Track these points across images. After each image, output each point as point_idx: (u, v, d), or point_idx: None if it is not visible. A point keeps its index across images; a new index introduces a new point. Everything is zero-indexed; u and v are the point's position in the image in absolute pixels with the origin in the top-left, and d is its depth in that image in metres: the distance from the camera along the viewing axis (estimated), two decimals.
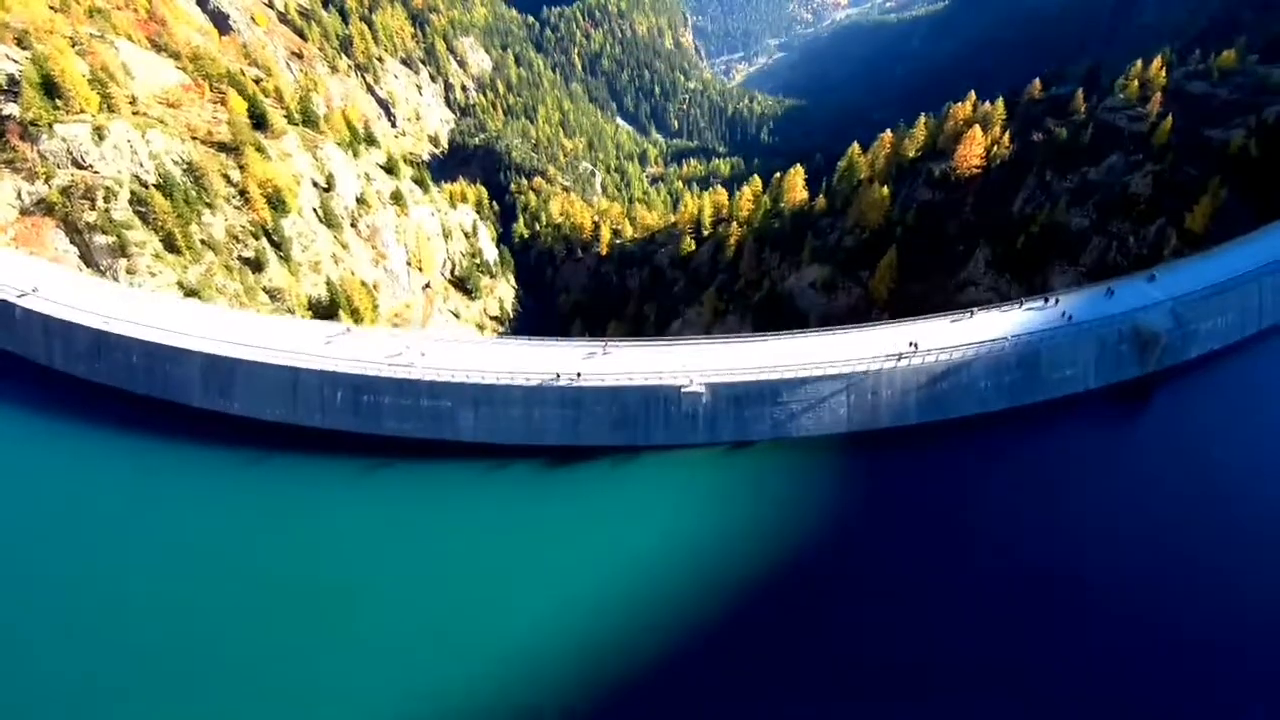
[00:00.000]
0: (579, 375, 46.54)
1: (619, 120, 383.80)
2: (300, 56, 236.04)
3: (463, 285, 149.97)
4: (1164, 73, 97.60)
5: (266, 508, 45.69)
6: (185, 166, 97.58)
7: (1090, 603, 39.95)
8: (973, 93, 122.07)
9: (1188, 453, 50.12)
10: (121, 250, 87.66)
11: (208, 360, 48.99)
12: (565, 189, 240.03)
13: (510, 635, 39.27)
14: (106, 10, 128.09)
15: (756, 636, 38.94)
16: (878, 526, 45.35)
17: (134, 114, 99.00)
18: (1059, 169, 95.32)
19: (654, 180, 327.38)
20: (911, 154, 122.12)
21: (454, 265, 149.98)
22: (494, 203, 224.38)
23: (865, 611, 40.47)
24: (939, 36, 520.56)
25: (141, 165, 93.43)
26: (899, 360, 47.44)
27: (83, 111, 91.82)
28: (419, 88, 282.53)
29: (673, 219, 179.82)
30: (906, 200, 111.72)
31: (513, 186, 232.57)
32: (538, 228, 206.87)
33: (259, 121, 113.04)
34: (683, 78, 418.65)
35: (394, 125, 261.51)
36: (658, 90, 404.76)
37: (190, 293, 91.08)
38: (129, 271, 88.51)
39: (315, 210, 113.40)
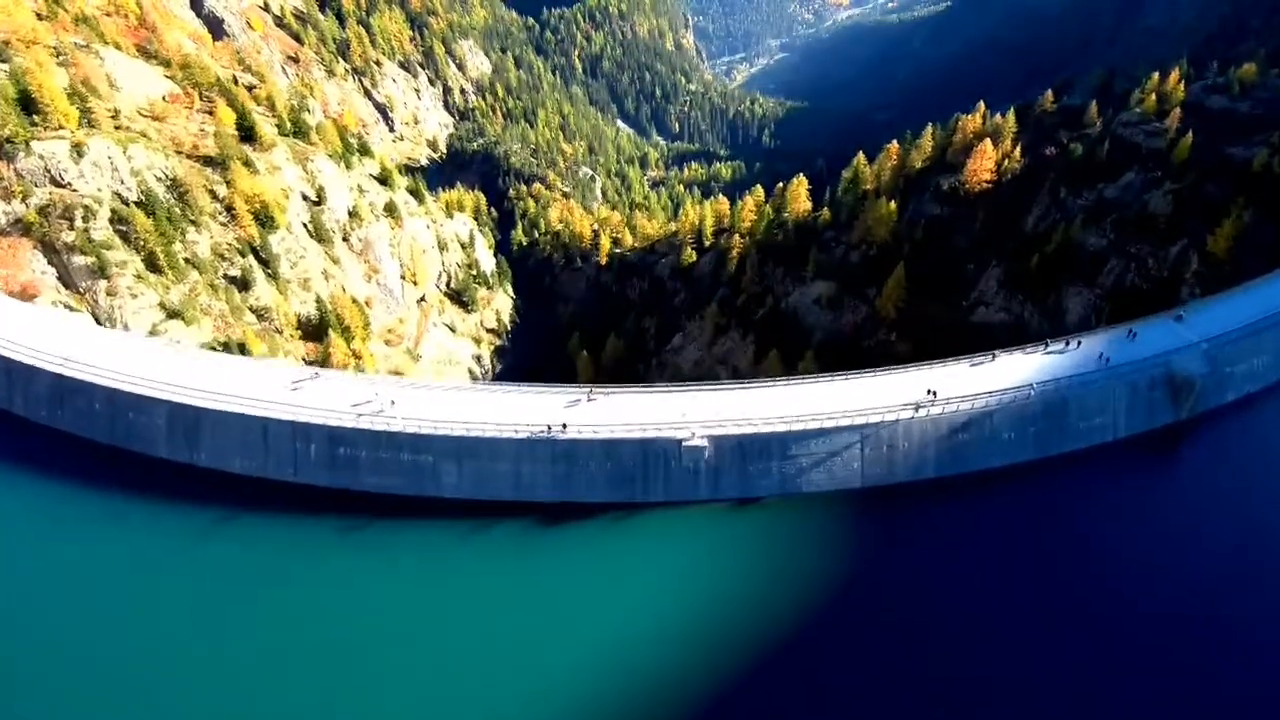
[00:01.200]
0: (564, 427, 43.17)
1: (619, 123, 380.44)
2: (296, 61, 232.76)
3: (459, 298, 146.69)
4: (1181, 86, 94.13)
5: (236, 571, 42.33)
6: (169, 182, 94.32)
7: (1124, 664, 36.83)
8: (981, 104, 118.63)
9: (1225, 502, 46.89)
10: (101, 271, 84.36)
11: (173, 409, 45.64)
12: (565, 195, 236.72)
13: (498, 712, 36.11)
14: (95, 17, 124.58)
15: (764, 711, 35.73)
16: (895, 589, 42.04)
17: (116, 128, 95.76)
18: (1073, 186, 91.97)
19: (655, 184, 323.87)
20: (918, 165, 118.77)
21: (450, 277, 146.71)
22: (492, 209, 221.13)
23: (883, 683, 37.27)
24: (941, 37, 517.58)
25: (122, 182, 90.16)
26: (917, 410, 44.08)
27: (61, 127, 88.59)
28: (417, 91, 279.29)
29: (673, 227, 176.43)
30: (914, 215, 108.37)
31: (511, 192, 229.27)
32: (536, 235, 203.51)
33: (247, 134, 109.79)
34: (684, 80, 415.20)
35: (392, 130, 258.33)
36: (658, 92, 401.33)
37: (173, 314, 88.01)
38: (109, 293, 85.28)
39: (305, 225, 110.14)
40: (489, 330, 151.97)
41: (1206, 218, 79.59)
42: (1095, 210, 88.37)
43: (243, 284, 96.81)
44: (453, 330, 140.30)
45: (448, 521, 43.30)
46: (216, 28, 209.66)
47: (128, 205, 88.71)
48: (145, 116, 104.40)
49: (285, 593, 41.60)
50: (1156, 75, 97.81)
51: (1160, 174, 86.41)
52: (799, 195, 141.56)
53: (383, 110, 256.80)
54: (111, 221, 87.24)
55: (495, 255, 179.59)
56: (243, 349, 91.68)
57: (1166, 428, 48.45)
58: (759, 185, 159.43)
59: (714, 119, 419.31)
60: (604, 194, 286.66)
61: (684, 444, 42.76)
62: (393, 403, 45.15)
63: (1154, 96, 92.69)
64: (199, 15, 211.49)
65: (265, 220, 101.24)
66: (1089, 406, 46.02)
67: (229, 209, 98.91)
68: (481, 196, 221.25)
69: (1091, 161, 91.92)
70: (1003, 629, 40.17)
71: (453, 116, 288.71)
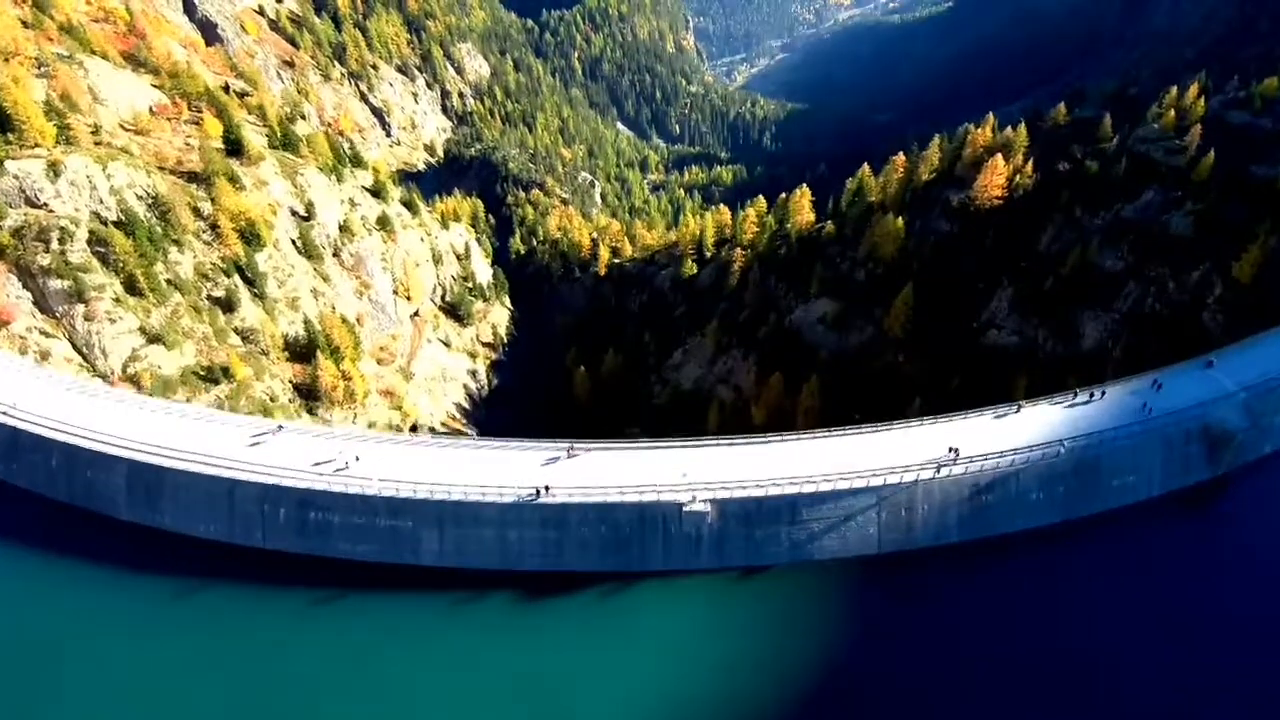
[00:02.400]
0: (547, 489, 39.78)
1: (619, 125, 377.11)
2: (291, 65, 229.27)
3: (454, 311, 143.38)
4: (1201, 101, 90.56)
5: (199, 645, 39.06)
6: (151, 201, 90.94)
7: None
8: (991, 116, 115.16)
9: (1268, 562, 43.57)
10: (78, 295, 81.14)
11: (133, 467, 42.29)
12: (563, 201, 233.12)
13: None
14: (82, 25, 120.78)
15: None
16: (914, 663, 38.73)
17: (96, 144, 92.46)
18: (1089, 204, 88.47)
19: (655, 188, 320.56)
20: (925, 177, 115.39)
21: (445, 290, 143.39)
22: (490, 216, 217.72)
23: None
24: (943, 38, 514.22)
25: (101, 202, 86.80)
26: (938, 471, 40.66)
27: (38, 145, 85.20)
28: (415, 95, 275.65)
29: (673, 237, 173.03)
30: (922, 231, 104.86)
31: (509, 199, 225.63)
32: (535, 243, 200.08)
33: (235, 147, 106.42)
34: (684, 82, 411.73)
35: (389, 135, 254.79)
36: (659, 95, 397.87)
37: (154, 339, 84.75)
38: (87, 318, 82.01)
39: (294, 241, 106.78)
40: (485, 344, 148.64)
41: (1230, 240, 76.13)
42: (1112, 231, 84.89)
43: (227, 305, 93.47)
44: (447, 345, 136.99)
45: (428, 594, 39.93)
46: (210, 32, 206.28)
47: (106, 226, 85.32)
48: (128, 130, 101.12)
49: (251, 670, 38.28)
50: (1175, 89, 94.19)
51: (1180, 193, 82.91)
52: (802, 207, 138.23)
53: (379, 115, 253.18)
54: (89, 243, 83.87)
55: (492, 265, 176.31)
56: (226, 373, 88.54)
57: (1203, 484, 45.07)
58: (761, 196, 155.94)
59: (715, 121, 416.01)
60: (603, 199, 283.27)
61: (685, 508, 39.42)
62: (356, 459, 41.74)
63: (1173, 112, 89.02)
64: (192, 19, 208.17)
65: (251, 238, 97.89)
66: (1121, 464, 42.63)
67: (214, 227, 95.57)
68: (479, 203, 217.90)
69: (1108, 179, 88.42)
70: (1033, 704, 36.96)
71: (451, 120, 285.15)
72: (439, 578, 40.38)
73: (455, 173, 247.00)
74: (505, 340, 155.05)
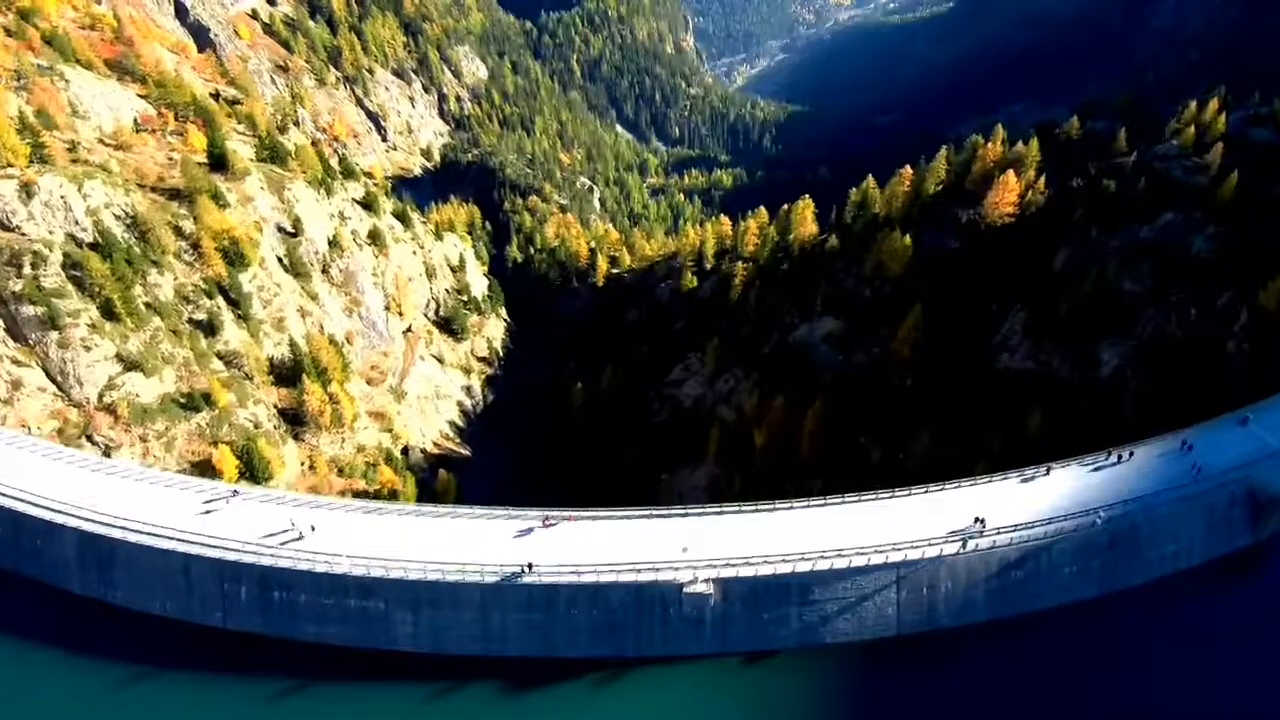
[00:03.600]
0: (531, 566, 36.24)
1: (619, 128, 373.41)
2: (285, 69, 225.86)
3: (448, 326, 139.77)
4: (1222, 118, 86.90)
5: None
6: (129, 221, 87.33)
7: None
8: (1000, 128, 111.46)
9: None
10: (52, 322, 77.57)
11: (83, 537, 38.75)
12: (562, 208, 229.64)
13: None
14: (67, 34, 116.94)
15: None
16: None
17: (72, 162, 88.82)
18: (1106, 224, 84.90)
19: (654, 192, 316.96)
20: (932, 189, 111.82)
21: (439, 305, 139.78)
22: (487, 223, 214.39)
23: None
24: (944, 38, 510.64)
25: (77, 223, 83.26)
26: (964, 545, 37.11)
27: (9, 165, 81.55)
28: (411, 99, 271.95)
29: (672, 247, 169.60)
30: (931, 248, 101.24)
31: (507, 205, 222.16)
32: (532, 252, 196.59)
33: (219, 161, 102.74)
34: (684, 84, 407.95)
35: (384, 139, 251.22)
36: (658, 97, 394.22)
37: (131, 365, 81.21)
38: (61, 345, 78.49)
39: (280, 259, 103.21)
40: (480, 359, 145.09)
41: (1255, 265, 72.69)
42: (1130, 253, 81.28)
43: (209, 328, 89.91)
44: (441, 362, 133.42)
45: (404, 684, 36.33)
46: (202, 37, 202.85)
47: (82, 248, 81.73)
48: (109, 145, 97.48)
49: None
50: (1194, 105, 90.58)
51: (1202, 215, 79.38)
52: (805, 219, 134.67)
53: (375, 119, 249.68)
54: (64, 267, 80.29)
55: (488, 276, 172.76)
56: (208, 399, 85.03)
57: (1245, 549, 41.57)
58: (762, 208, 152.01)
59: (715, 123, 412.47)
60: (602, 203, 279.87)
61: (685, 589, 35.89)
62: (312, 529, 38.18)
63: (1192, 129, 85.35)
64: (184, 24, 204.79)
65: (235, 257, 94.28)
66: (1161, 532, 39.16)
67: (195, 246, 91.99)
68: (476, 210, 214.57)
69: (1126, 199, 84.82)
70: None
71: (448, 124, 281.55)
72: (415, 664, 36.79)
73: (452, 179, 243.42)
74: (501, 354, 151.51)
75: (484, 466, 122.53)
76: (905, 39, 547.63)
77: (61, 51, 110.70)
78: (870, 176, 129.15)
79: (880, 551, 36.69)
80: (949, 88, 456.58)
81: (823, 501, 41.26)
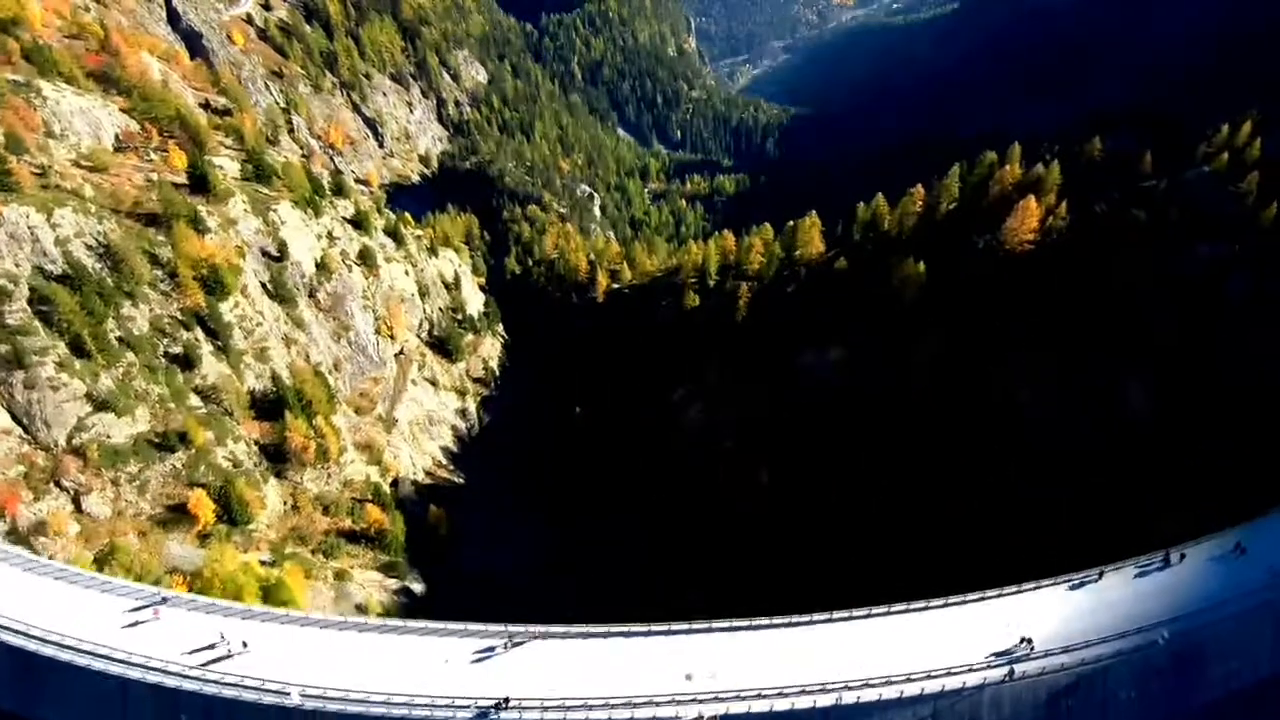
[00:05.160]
0: (507, 702, 31.60)
1: (620, 131, 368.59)
2: (281, 76, 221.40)
3: (442, 346, 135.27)
4: (1257, 143, 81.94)
5: None
6: (102, 250, 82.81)
7: None
8: (1017, 146, 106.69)
9: None
10: (18, 361, 73.28)
11: (8, 651, 34.18)
12: (561, 217, 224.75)
13: None
14: (48, 45, 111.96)
15: None
16: None
17: (43, 188, 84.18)
18: (1134, 256, 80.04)
19: (655, 197, 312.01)
20: (945, 208, 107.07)
21: (432, 325, 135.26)
22: (485, 234, 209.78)
23: None
24: (947, 40, 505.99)
25: (45, 254, 78.75)
26: (1011, 674, 32.43)
27: None
28: (409, 105, 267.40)
29: (674, 261, 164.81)
30: (946, 275, 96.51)
31: (505, 214, 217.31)
32: (530, 263, 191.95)
33: (200, 183, 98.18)
34: (686, 86, 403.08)
35: (382, 146, 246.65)
36: (660, 100, 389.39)
37: (101, 405, 76.76)
38: (27, 386, 74.16)
39: (264, 285, 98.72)
40: (475, 379, 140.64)
41: None
42: (1162, 288, 76.50)
43: (186, 362, 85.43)
44: (434, 384, 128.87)
45: None
46: (195, 43, 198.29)
47: (50, 282, 77.15)
48: (83, 168, 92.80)
49: None
50: (1226, 128, 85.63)
51: (1239, 248, 74.60)
52: (811, 237, 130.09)
53: (372, 125, 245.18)
54: (31, 302, 75.88)
55: (486, 291, 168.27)
56: (183, 439, 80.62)
57: None
58: (767, 224, 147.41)
59: (717, 126, 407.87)
60: (603, 210, 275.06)
61: None
62: (244, 645, 33.63)
63: (1226, 156, 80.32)
64: (176, 30, 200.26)
65: (215, 286, 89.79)
66: (1227, 648, 34.52)
67: (173, 275, 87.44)
68: (474, 219, 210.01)
69: (1155, 229, 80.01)
70: None
71: (447, 130, 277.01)
72: None
73: (450, 186, 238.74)
74: (497, 373, 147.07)
75: (478, 495, 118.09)
76: (909, 40, 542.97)
77: (41, 66, 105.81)
78: (880, 195, 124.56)
79: (913, 680, 32.04)
80: (953, 89, 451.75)
81: (843, 616, 36.39)
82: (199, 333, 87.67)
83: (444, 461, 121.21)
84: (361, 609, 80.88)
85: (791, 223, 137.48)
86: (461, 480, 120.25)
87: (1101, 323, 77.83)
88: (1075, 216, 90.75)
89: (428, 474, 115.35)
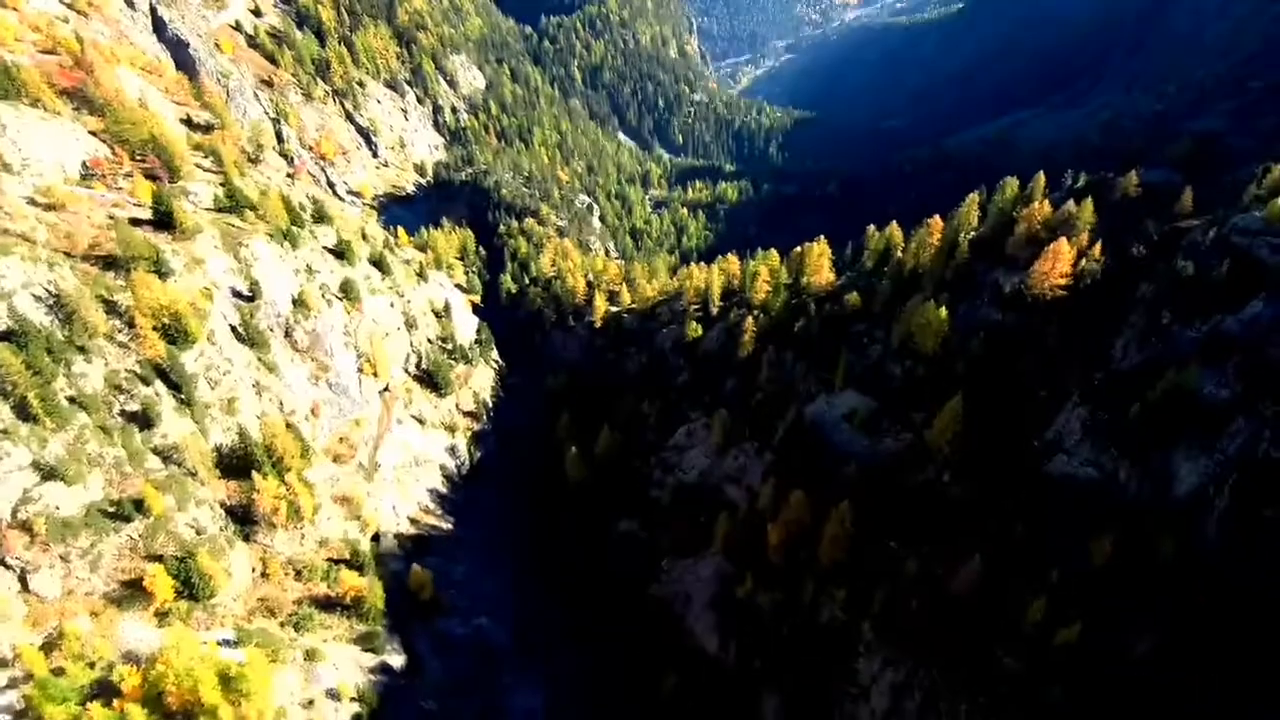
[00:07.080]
0: None
1: (621, 136, 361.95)
2: (270, 84, 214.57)
3: (430, 380, 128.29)
4: None
5: None
6: (52, 301, 75.77)
7: None
8: (1041, 176, 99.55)
9: None
10: None
11: None
12: (559, 231, 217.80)
13: None
14: (15, 64, 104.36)
15: None
16: None
17: None
18: (1180, 310, 72.98)
19: (657, 205, 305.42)
20: (965, 240, 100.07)
21: (420, 358, 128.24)
22: (481, 248, 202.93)
23: None
24: (952, 41, 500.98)
25: None
26: None
27: None
28: (404, 112, 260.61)
29: (675, 286, 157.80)
30: (968, 320, 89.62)
31: (501, 228, 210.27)
32: (526, 282, 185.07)
33: (166, 219, 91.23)
34: (687, 90, 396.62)
35: (375, 155, 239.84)
36: (661, 103, 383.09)
37: (49, 474, 69.78)
38: None
39: (234, 328, 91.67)
40: (466, 413, 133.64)
41: None
42: (1211, 347, 69.36)
43: (145, 420, 78.41)
44: (421, 422, 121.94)
45: None
46: (181, 53, 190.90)
47: None
48: (38, 206, 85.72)
49: None
50: (1278, 169, 78.43)
51: None
52: (820, 266, 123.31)
53: (366, 134, 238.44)
54: None
55: (479, 312, 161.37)
56: (140, 506, 73.78)
57: None
58: (774, 250, 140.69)
59: (719, 130, 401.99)
60: (603, 219, 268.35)
61: None
62: None
63: (1278, 203, 73.01)
64: (161, 39, 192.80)
65: (177, 334, 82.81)
66: None
67: (131, 324, 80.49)
68: (469, 234, 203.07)
69: (1202, 280, 72.90)
70: None
71: (443, 137, 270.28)
72: None
73: (445, 197, 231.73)
74: (490, 405, 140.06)
75: (468, 544, 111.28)
76: (913, 41, 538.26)
77: (4, 90, 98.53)
78: (894, 224, 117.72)
79: None
80: (958, 92, 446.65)
81: None
82: (159, 386, 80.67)
83: (431, 506, 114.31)
84: (333, 695, 74.16)
85: (799, 249, 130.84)
86: (450, 526, 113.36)
87: (1144, 381, 70.65)
88: (1111, 258, 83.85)
89: (413, 521, 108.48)
